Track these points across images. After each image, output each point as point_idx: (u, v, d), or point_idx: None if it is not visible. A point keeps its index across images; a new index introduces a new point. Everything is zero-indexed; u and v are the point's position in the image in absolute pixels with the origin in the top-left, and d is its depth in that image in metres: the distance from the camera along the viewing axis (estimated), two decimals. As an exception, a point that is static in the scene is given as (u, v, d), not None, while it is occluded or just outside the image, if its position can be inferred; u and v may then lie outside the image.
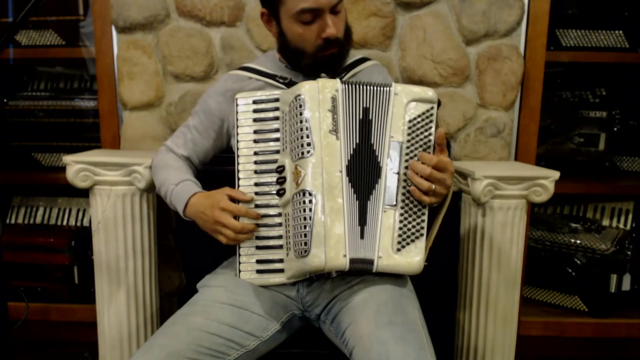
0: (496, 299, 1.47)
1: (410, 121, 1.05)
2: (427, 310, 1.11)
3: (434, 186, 1.02)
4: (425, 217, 1.06)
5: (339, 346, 1.10)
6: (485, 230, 1.46)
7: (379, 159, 1.05)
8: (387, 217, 1.04)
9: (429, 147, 1.06)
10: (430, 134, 1.06)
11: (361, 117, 1.06)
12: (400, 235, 1.04)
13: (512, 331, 1.51)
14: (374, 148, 1.05)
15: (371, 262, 1.04)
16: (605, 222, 2.02)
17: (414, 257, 1.04)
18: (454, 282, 1.58)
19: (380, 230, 1.03)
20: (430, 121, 1.06)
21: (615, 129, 1.96)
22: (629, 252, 1.87)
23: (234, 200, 1.12)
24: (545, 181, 1.41)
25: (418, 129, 1.05)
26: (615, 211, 2.02)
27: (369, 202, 1.05)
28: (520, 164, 1.64)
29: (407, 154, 1.05)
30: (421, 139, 1.05)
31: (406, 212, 1.04)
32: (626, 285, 1.88)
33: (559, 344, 1.88)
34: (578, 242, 1.88)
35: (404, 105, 1.05)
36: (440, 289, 1.56)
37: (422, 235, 1.05)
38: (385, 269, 1.04)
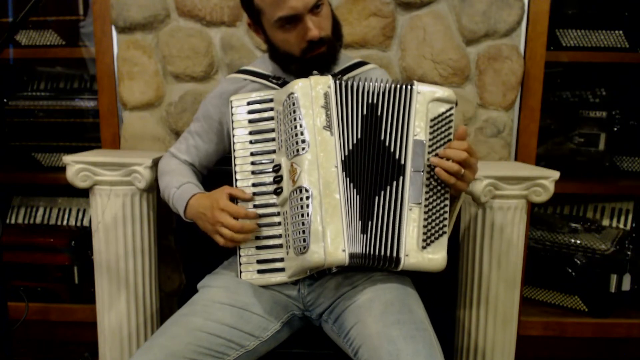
0: (496, 299, 1.47)
1: (432, 120, 1.05)
2: (428, 310, 1.10)
3: (462, 170, 1.01)
4: (447, 214, 1.06)
5: (341, 346, 1.10)
6: (485, 230, 1.45)
7: (396, 156, 1.04)
8: (412, 215, 1.03)
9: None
10: (450, 134, 1.06)
11: (365, 112, 1.06)
12: (425, 233, 1.03)
13: (512, 331, 1.51)
14: (387, 144, 1.05)
15: (392, 259, 1.03)
16: (605, 222, 2.02)
17: (439, 253, 1.04)
18: (454, 282, 1.58)
19: (405, 228, 1.02)
20: (450, 121, 1.06)
21: (615, 129, 1.96)
22: (629, 252, 1.87)
23: (233, 199, 1.12)
24: (545, 181, 1.41)
25: (439, 128, 1.05)
26: (615, 211, 2.02)
27: (377, 197, 1.04)
28: (520, 164, 1.64)
29: (429, 152, 1.05)
30: (442, 138, 1.05)
31: (430, 209, 1.04)
32: (626, 285, 1.88)
33: (559, 344, 1.88)
34: (578, 242, 1.88)
35: (426, 104, 1.05)
36: (441, 289, 1.56)
37: (444, 232, 1.05)
38: (412, 267, 1.03)
